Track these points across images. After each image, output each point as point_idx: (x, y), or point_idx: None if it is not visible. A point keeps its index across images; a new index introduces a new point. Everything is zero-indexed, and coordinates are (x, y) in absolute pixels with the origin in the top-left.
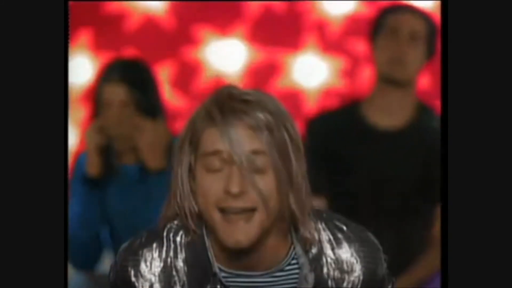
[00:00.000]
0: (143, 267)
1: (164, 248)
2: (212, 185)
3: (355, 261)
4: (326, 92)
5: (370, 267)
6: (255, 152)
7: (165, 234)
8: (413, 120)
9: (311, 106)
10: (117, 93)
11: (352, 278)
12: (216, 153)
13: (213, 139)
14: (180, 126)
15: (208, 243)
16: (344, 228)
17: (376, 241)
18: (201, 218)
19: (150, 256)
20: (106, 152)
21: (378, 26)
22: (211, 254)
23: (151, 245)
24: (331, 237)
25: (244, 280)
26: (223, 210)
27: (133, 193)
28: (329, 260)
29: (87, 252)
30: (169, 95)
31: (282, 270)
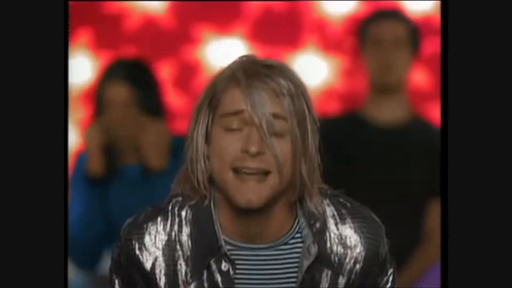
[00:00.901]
0: (147, 240)
1: (169, 222)
2: (230, 145)
3: (358, 238)
4: (326, 92)
5: (373, 244)
6: (276, 116)
7: (170, 208)
8: (408, 121)
9: None
10: (120, 92)
11: (354, 254)
12: (237, 113)
13: (235, 99)
14: (179, 126)
15: (215, 215)
16: (348, 204)
17: (378, 220)
18: (211, 185)
19: (155, 230)
20: (108, 151)
21: (362, 37)
22: (217, 226)
23: (155, 219)
24: (335, 213)
25: (249, 253)
26: (237, 171)
27: (135, 193)
28: (332, 235)
29: (88, 252)
30: (169, 94)
31: (286, 244)
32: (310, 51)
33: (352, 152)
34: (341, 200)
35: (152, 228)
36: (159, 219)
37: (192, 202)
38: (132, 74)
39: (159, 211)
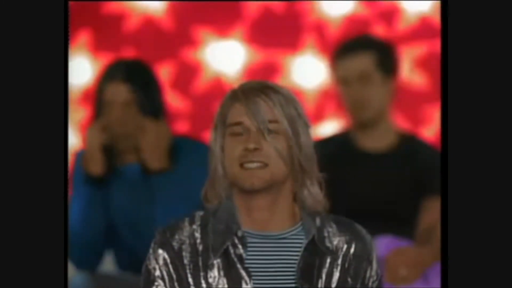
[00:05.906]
0: (178, 231)
1: (195, 220)
2: (236, 146)
3: (349, 234)
4: (325, 93)
5: (362, 239)
6: (270, 121)
7: (195, 214)
8: (396, 146)
9: (310, 107)
10: (119, 93)
11: (347, 243)
12: (239, 123)
13: (237, 113)
14: (179, 126)
15: (233, 208)
16: (338, 219)
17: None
18: (230, 190)
19: (184, 226)
20: (107, 151)
21: (333, 78)
22: (236, 215)
23: (184, 219)
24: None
25: (259, 241)
26: (242, 165)
27: (134, 192)
28: (329, 229)
29: (88, 252)
30: (168, 95)
31: (290, 237)
32: (309, 52)
33: (340, 175)
34: (333, 217)
35: (182, 225)
36: (187, 218)
37: (214, 209)
38: (132, 74)
39: (186, 216)
